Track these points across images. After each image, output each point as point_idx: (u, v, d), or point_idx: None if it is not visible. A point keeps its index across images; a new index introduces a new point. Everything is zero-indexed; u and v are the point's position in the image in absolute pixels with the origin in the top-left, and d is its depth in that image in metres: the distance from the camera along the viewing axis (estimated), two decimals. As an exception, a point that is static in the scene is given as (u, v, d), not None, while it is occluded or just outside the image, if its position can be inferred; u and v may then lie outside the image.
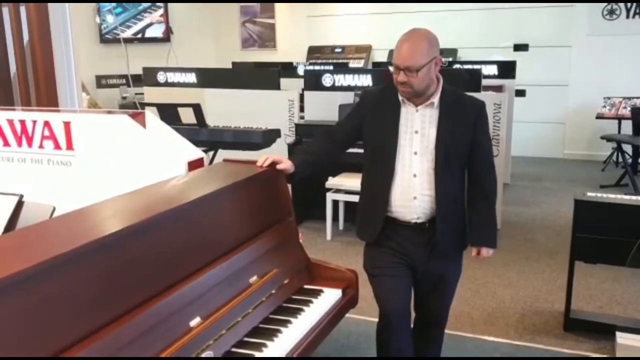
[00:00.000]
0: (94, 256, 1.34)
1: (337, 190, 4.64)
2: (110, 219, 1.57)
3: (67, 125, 2.22)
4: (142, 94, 6.69)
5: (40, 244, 1.38)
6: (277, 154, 2.27)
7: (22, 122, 2.30)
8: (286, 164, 2.17)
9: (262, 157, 2.22)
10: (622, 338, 2.86)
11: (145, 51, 8.23)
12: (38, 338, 1.19)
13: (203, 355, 1.53)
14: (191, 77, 6.00)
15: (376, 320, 2.34)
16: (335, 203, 4.73)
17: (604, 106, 7.13)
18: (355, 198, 4.45)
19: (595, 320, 3.11)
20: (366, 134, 2.22)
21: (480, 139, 2.16)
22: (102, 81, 8.19)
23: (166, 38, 8.67)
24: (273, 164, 2.18)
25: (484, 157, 2.19)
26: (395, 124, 2.13)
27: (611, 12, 7.48)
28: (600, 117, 7.09)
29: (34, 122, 2.28)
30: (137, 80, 7.20)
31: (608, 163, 7.16)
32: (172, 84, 6.10)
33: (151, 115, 2.23)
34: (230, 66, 7.80)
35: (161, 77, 6.17)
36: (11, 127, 2.33)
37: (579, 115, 7.75)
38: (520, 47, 7.74)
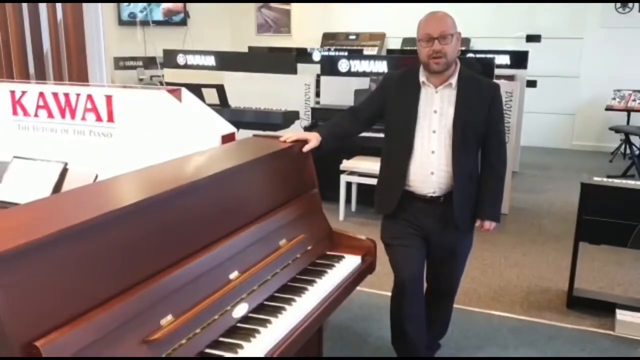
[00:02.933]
0: (150, 211, 1.51)
1: (351, 173, 4.79)
2: (160, 182, 1.73)
3: (109, 98, 2.38)
4: (159, 76, 6.85)
5: (102, 199, 1.55)
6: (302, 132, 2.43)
7: (66, 95, 2.46)
8: (313, 143, 2.30)
9: (287, 135, 2.36)
10: (621, 315, 3.02)
11: (163, 34, 8.37)
12: (107, 277, 1.37)
13: (239, 306, 1.70)
14: (210, 60, 6.15)
15: (388, 294, 2.51)
16: (349, 185, 4.89)
17: (614, 98, 7.21)
18: (368, 180, 4.60)
19: (597, 299, 3.27)
20: (387, 113, 2.38)
21: (495, 118, 2.31)
22: (119, 63, 8.35)
23: (183, 22, 8.81)
24: (298, 142, 2.31)
25: (497, 136, 2.35)
26: (415, 104, 2.28)
27: (624, 5, 7.54)
28: (609, 109, 7.17)
29: (78, 95, 2.44)
30: (153, 62, 7.35)
31: (616, 154, 7.26)
32: (191, 67, 6.25)
33: (187, 91, 2.38)
34: (245, 51, 7.94)
35: (181, 59, 6.32)
36: (55, 100, 2.49)
37: (588, 107, 7.84)
38: (532, 38, 7.81)
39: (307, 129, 5.07)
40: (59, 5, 3.52)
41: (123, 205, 1.40)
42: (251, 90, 5.54)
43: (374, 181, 2.53)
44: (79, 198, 1.54)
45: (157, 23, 8.65)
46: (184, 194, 1.65)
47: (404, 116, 2.31)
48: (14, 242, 1.17)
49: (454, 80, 2.26)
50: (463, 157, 2.27)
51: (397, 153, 2.35)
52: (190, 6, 8.88)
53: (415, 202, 2.35)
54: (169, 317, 1.46)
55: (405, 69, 2.42)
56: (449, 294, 2.58)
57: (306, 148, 2.31)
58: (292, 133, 2.37)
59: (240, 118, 4.84)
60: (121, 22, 8.39)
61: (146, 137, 2.34)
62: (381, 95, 2.43)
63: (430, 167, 2.29)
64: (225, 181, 1.85)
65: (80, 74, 3.60)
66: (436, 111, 2.28)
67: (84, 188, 1.66)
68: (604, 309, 3.16)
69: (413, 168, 2.31)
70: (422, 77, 2.29)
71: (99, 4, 3.63)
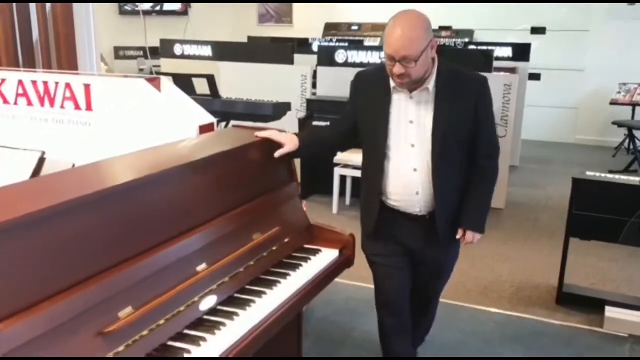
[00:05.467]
0: (114, 200, 1.49)
1: (345, 165, 4.76)
2: (127, 171, 1.71)
3: (87, 87, 2.36)
4: (159, 66, 6.82)
5: (63, 188, 1.52)
6: (282, 128, 2.24)
7: (45, 84, 2.44)
8: (286, 148, 2.12)
9: (263, 132, 2.17)
10: (610, 312, 2.98)
11: (163, 24, 8.35)
12: (60, 268, 1.35)
13: (207, 298, 1.68)
14: (207, 50, 6.12)
15: (373, 286, 2.45)
16: (343, 178, 4.85)
17: (619, 92, 7.10)
18: (362, 172, 4.56)
19: (587, 295, 3.23)
20: (359, 122, 2.14)
21: (484, 116, 2.03)
22: (120, 52, 8.34)
23: (184, 11, 8.77)
24: (272, 142, 2.13)
25: (487, 140, 2.08)
26: (386, 113, 2.02)
27: (632, -4, 7.41)
28: (614, 102, 7.06)
29: (56, 83, 2.42)
30: (154, 52, 7.31)
31: (619, 149, 7.17)
32: (188, 56, 6.22)
33: (166, 80, 2.35)
34: (246, 41, 7.89)
35: (177, 49, 6.30)
36: (34, 88, 2.47)
37: (592, 101, 7.74)
38: (537, 30, 7.72)
39: (302, 120, 5.04)
40: (48, -5, 3.50)
41: (82, 195, 1.37)
42: (247, 80, 5.50)
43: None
44: (36, 187, 1.52)
45: (159, 13, 8.63)
46: (151, 184, 1.62)
47: (374, 127, 2.05)
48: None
49: (430, 84, 1.98)
50: (446, 170, 2.02)
51: (371, 168, 2.13)
52: (192, -4, 8.84)
53: (400, 220, 2.13)
54: (128, 309, 1.44)
55: (376, 66, 2.16)
56: (432, 304, 2.45)
57: (277, 153, 2.12)
58: (268, 131, 2.17)
59: (230, 109, 4.81)
60: (122, 12, 8.37)
61: (124, 126, 2.32)
62: (353, 102, 2.18)
63: (414, 187, 2.05)
64: (196, 171, 1.82)
65: (70, 65, 3.58)
66: (412, 121, 2.00)
67: (44, 178, 1.64)
68: (593, 306, 3.12)
69: (396, 187, 2.07)
70: (393, 82, 2.00)
71: (89, -6, 3.61)
